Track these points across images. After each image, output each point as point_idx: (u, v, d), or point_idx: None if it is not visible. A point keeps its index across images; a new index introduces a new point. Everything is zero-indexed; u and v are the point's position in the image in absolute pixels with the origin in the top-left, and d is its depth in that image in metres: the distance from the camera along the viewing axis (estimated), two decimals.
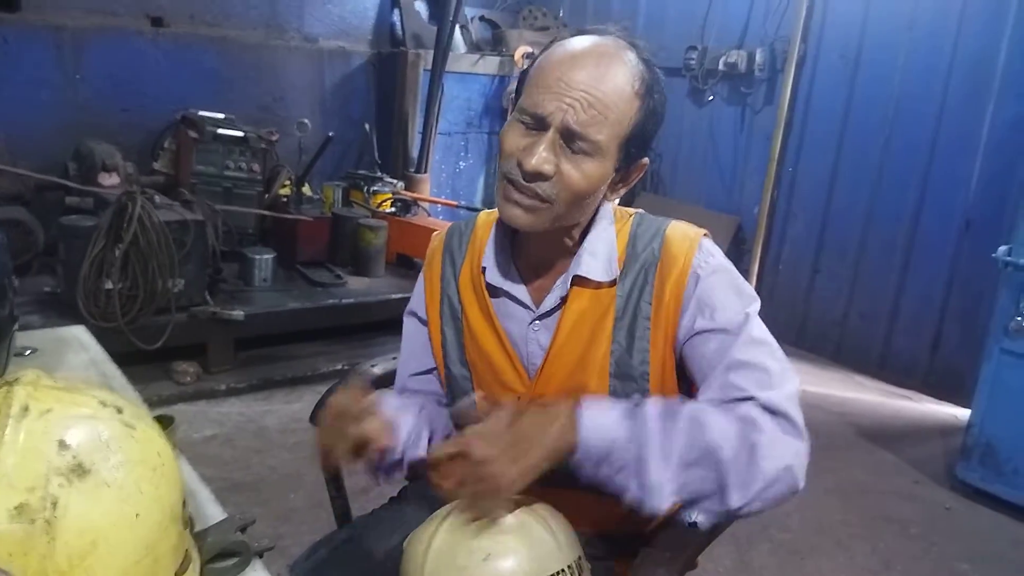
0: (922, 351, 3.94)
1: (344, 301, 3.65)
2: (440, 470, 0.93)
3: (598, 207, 1.12)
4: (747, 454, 0.93)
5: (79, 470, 0.63)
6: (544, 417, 0.94)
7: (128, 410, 0.71)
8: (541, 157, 0.98)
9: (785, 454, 0.95)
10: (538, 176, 1.00)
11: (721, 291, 1.06)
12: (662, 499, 0.92)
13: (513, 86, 4.93)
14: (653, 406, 0.97)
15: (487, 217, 1.24)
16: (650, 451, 0.93)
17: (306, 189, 4.15)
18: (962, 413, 3.39)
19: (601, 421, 0.95)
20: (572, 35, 1.06)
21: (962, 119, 3.71)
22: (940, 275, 3.84)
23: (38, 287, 3.20)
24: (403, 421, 1.14)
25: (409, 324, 1.29)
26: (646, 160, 1.10)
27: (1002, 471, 2.76)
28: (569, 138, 0.99)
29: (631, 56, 1.02)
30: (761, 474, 0.93)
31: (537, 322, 1.14)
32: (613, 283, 1.10)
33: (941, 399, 3.81)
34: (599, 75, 0.98)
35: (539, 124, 1.00)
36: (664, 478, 0.92)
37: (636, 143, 1.04)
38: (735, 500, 0.93)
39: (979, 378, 2.82)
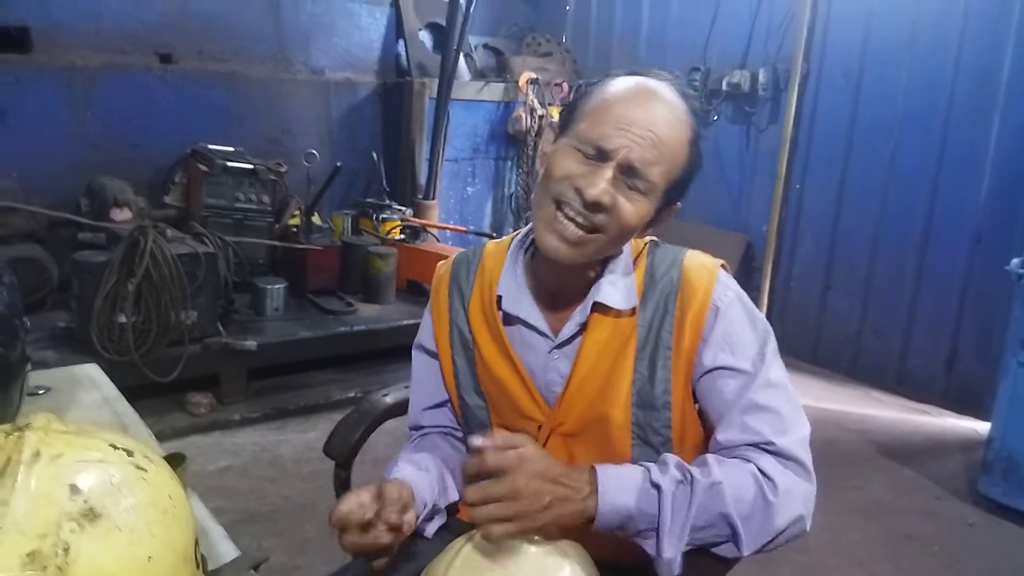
0: (938, 365, 3.91)
1: (355, 328, 3.66)
2: (473, 486, 0.93)
3: None
4: (762, 514, 0.99)
5: (90, 515, 0.63)
6: (566, 492, 0.95)
7: (139, 452, 0.71)
8: (602, 188, 1.00)
9: (797, 505, 1.00)
10: (598, 206, 1.00)
11: (740, 327, 1.08)
12: (672, 569, 0.97)
13: (518, 112, 5.06)
14: (669, 479, 0.98)
15: (495, 247, 1.24)
16: (664, 528, 0.96)
17: (315, 219, 4.18)
18: (982, 427, 3.35)
19: (618, 499, 0.97)
20: (627, 73, 1.08)
21: (968, 132, 3.70)
22: (953, 289, 3.82)
23: (53, 323, 3.22)
24: (424, 480, 1.13)
25: (418, 358, 1.29)
26: (679, 205, 1.11)
27: None
28: (628, 174, 1.01)
29: (684, 105, 1.05)
30: (774, 529, 0.99)
31: (556, 351, 1.13)
32: (633, 312, 1.10)
33: (960, 413, 3.76)
34: (661, 117, 1.01)
35: (601, 156, 1.01)
36: (677, 550, 0.97)
37: (678, 188, 1.07)
38: (746, 550, 0.99)
39: (997, 392, 2.79)
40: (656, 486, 0.98)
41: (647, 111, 1.01)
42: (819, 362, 4.42)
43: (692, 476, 0.98)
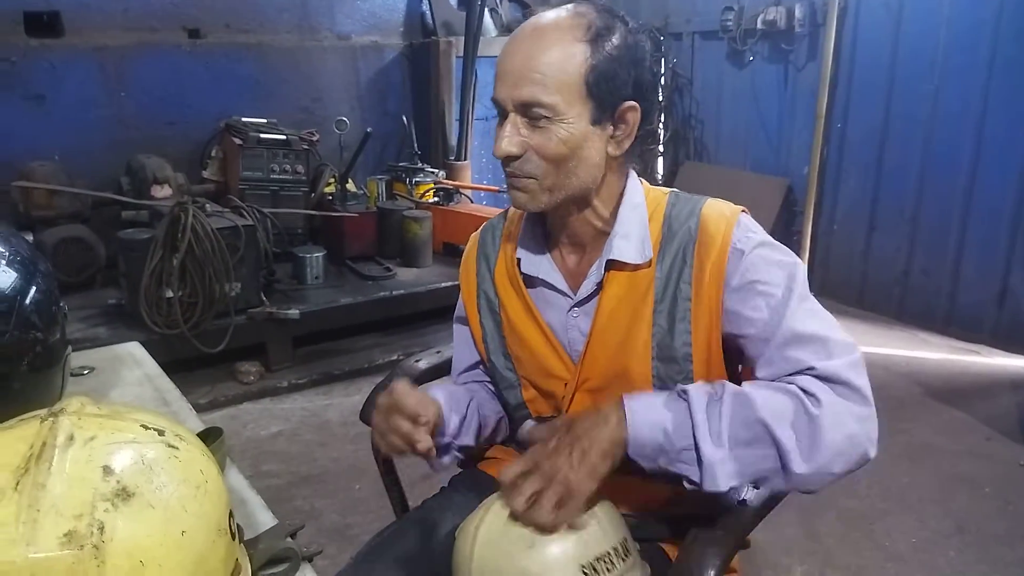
0: (989, 303, 3.80)
1: (395, 293, 3.70)
2: (515, 489, 0.94)
3: (626, 184, 1.12)
4: (806, 427, 0.92)
5: (124, 494, 0.66)
6: (594, 419, 0.96)
7: (170, 431, 0.74)
8: (504, 142, 1.02)
9: (847, 422, 0.93)
10: (510, 158, 1.03)
11: (765, 265, 1.04)
12: (719, 480, 0.93)
13: None
14: (696, 392, 0.97)
15: (519, 211, 1.25)
16: (700, 435, 0.93)
17: (350, 185, 4.21)
18: None
19: (648, 415, 0.96)
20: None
21: (1016, 60, 3.54)
22: (1002, 224, 3.69)
23: (103, 300, 3.33)
24: (453, 411, 1.16)
25: (457, 330, 1.33)
26: (634, 103, 1.04)
27: None
28: (526, 112, 1.01)
29: (574, 11, 1.02)
30: (824, 445, 0.92)
31: (576, 309, 1.14)
32: (649, 264, 1.09)
33: (1011, 352, 3.68)
34: (534, 45, 1.00)
35: (502, 113, 1.04)
36: (717, 458, 0.93)
37: (603, 88, 1.01)
38: (798, 474, 0.92)
39: None
40: (682, 393, 0.97)
41: (519, 48, 1.01)
42: (865, 306, 4.34)
43: (719, 388, 0.97)
